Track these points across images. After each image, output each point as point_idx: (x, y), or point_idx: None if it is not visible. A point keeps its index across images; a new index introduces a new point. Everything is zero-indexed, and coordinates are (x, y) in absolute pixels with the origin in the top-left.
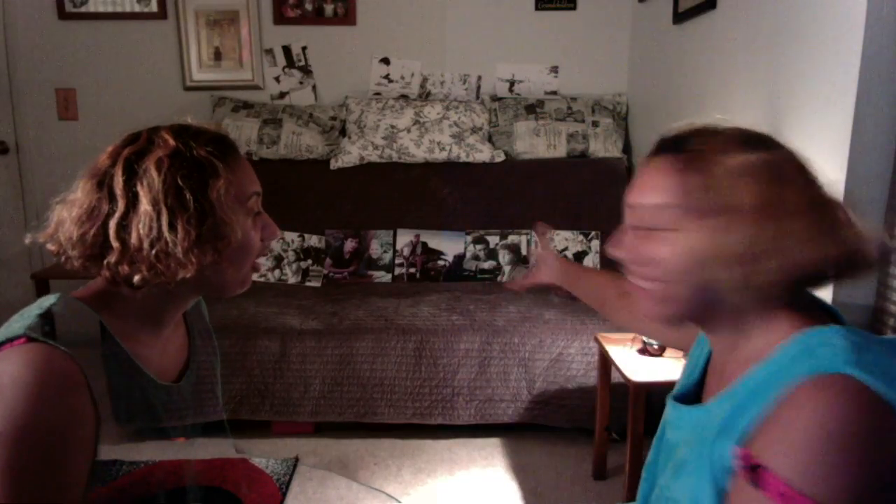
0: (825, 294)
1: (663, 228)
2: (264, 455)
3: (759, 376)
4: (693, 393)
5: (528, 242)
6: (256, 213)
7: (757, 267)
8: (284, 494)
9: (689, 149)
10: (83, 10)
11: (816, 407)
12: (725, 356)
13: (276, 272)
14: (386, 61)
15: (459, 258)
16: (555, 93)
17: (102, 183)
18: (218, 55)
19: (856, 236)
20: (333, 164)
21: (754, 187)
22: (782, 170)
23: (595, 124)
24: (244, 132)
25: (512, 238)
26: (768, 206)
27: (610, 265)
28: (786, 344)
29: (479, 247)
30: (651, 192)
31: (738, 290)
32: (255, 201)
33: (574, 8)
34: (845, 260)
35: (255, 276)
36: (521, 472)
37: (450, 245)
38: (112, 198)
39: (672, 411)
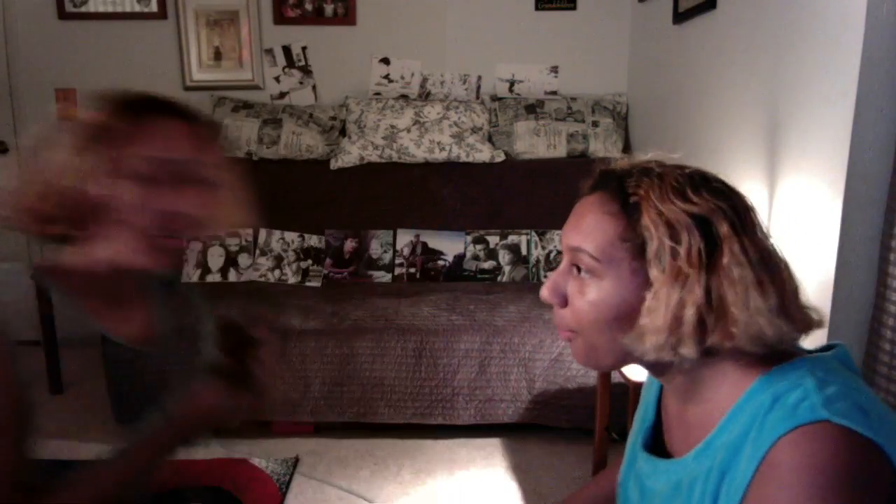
0: (826, 292)
1: (587, 271)
2: (264, 455)
3: (734, 430)
4: (652, 437)
5: (528, 242)
6: (155, 180)
7: (679, 336)
8: (284, 494)
9: (627, 190)
10: (83, 10)
11: (802, 463)
12: (682, 403)
13: (276, 272)
14: (386, 61)
15: (459, 258)
16: (555, 93)
17: None
18: (218, 55)
19: (798, 307)
20: (333, 164)
21: (687, 245)
22: (722, 226)
23: (595, 124)
24: (244, 132)
25: (512, 238)
26: (696, 269)
27: None
28: (751, 390)
29: (479, 247)
30: (579, 234)
31: (659, 352)
32: (155, 167)
33: (574, 8)
34: (784, 335)
35: (255, 276)
36: (521, 472)
37: (450, 245)
38: None
39: (646, 464)
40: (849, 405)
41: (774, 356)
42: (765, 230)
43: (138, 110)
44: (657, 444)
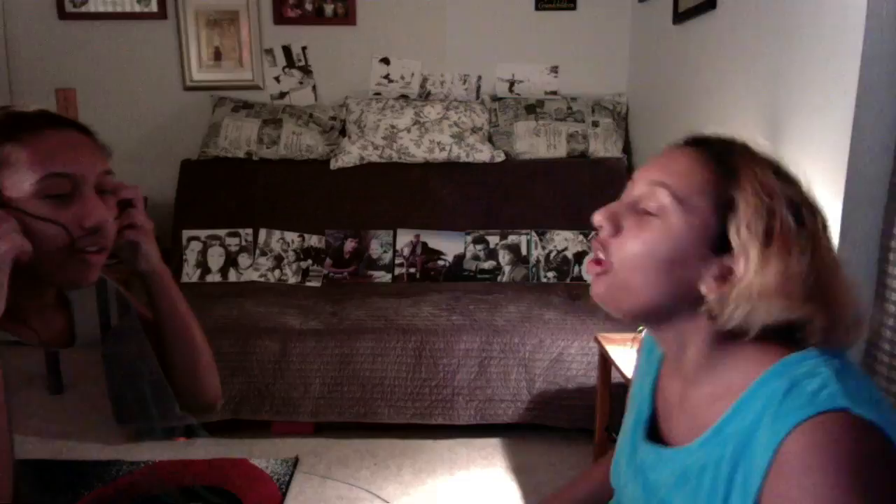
0: None
1: (655, 211)
2: (264, 455)
3: (746, 416)
4: (649, 426)
5: (528, 242)
6: (60, 197)
7: (786, 303)
8: (284, 494)
9: (725, 154)
10: (83, 10)
11: (824, 450)
12: (688, 384)
13: (276, 272)
14: (386, 61)
15: (459, 258)
16: (555, 93)
17: None
18: (218, 55)
19: (854, 311)
20: (333, 164)
21: (783, 219)
22: (810, 216)
23: (595, 124)
24: (244, 132)
25: (512, 238)
26: (779, 241)
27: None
28: (766, 376)
29: (479, 247)
30: (667, 172)
31: (725, 320)
32: (51, 184)
33: (574, 8)
34: (833, 329)
35: (255, 276)
36: (521, 472)
37: (450, 245)
38: None
39: (649, 454)
40: (866, 397)
41: (788, 344)
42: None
43: (19, 128)
44: (654, 435)
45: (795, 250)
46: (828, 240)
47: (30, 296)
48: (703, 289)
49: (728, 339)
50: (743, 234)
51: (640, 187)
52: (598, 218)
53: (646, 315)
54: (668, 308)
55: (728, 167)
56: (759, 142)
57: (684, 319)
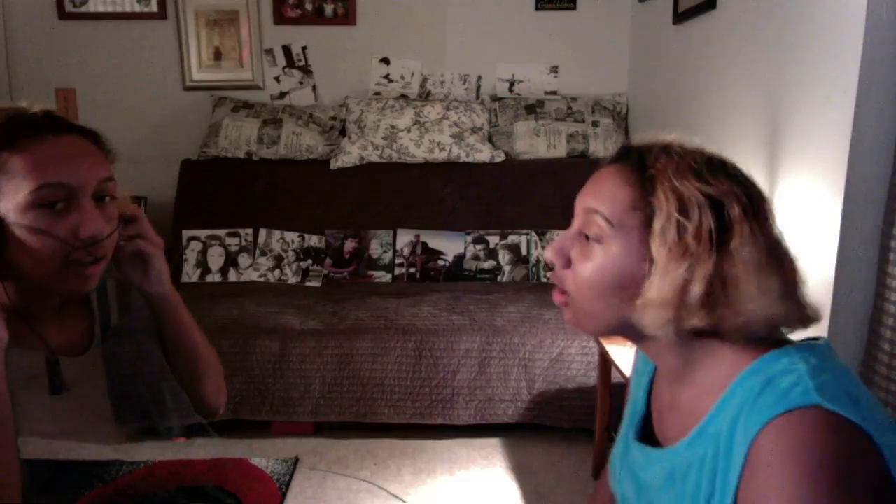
0: (826, 291)
1: (594, 238)
2: (264, 455)
3: (727, 415)
4: (643, 428)
5: (528, 242)
6: (55, 206)
7: (685, 310)
8: (284, 494)
9: (648, 164)
10: (83, 10)
11: (793, 446)
12: (675, 386)
13: (276, 272)
14: (386, 61)
15: (459, 258)
16: (555, 93)
17: None
18: (218, 55)
19: (800, 299)
20: (333, 164)
21: (697, 223)
22: (734, 209)
23: (595, 124)
24: (244, 132)
25: (512, 238)
26: (707, 247)
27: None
28: (743, 376)
29: (479, 247)
30: (596, 197)
31: (661, 328)
32: (46, 194)
33: (574, 8)
34: (788, 321)
35: (255, 276)
36: (521, 472)
37: (450, 245)
38: None
39: (639, 454)
40: (841, 392)
41: (767, 343)
42: (776, 222)
43: (18, 133)
44: (648, 435)
45: (698, 261)
46: (762, 223)
47: (36, 301)
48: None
49: (696, 341)
50: (657, 243)
51: (579, 216)
52: (548, 255)
53: (615, 332)
54: (633, 322)
55: (647, 178)
56: (694, 140)
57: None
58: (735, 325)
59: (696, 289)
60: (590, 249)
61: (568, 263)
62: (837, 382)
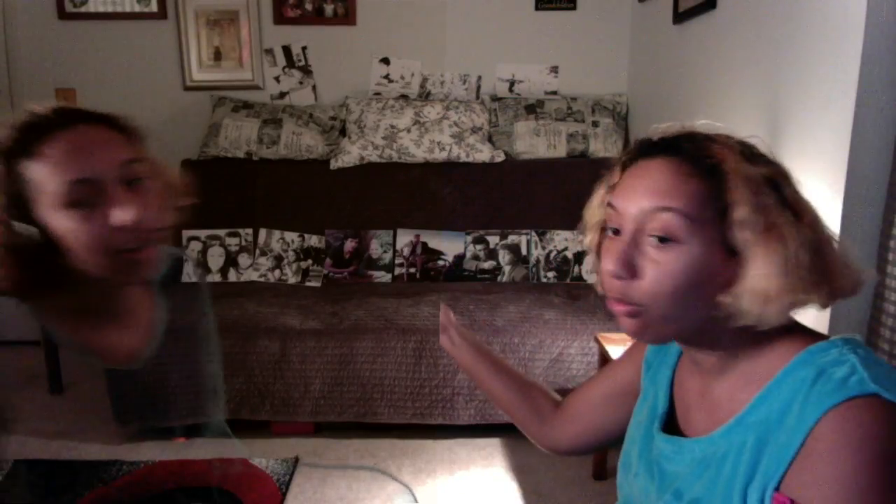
0: None
1: (672, 238)
2: (264, 455)
3: (773, 404)
4: (666, 419)
5: (528, 242)
6: (85, 202)
7: (802, 290)
8: (284, 494)
9: (702, 155)
10: (83, 10)
11: (853, 434)
12: (709, 378)
13: (276, 272)
14: (386, 61)
15: (459, 258)
16: (555, 93)
17: None
18: (218, 55)
19: (852, 273)
20: (333, 164)
21: (772, 202)
22: (788, 187)
23: (595, 124)
24: (244, 132)
25: (512, 238)
26: (792, 222)
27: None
28: (791, 366)
29: (479, 247)
30: (659, 195)
31: (742, 319)
32: (71, 192)
33: (574, 8)
34: (839, 294)
35: (255, 276)
36: (521, 472)
37: (450, 245)
38: None
39: (666, 445)
40: (888, 379)
41: (810, 333)
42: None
43: (31, 140)
44: (671, 429)
45: (792, 236)
46: (806, 201)
47: (101, 302)
48: (720, 294)
49: (750, 333)
50: (746, 234)
51: (633, 220)
52: (612, 267)
53: (688, 334)
54: (701, 320)
55: (711, 168)
56: (718, 124)
57: (709, 324)
58: (829, 298)
59: (803, 257)
60: (664, 252)
61: (634, 275)
62: (888, 373)
